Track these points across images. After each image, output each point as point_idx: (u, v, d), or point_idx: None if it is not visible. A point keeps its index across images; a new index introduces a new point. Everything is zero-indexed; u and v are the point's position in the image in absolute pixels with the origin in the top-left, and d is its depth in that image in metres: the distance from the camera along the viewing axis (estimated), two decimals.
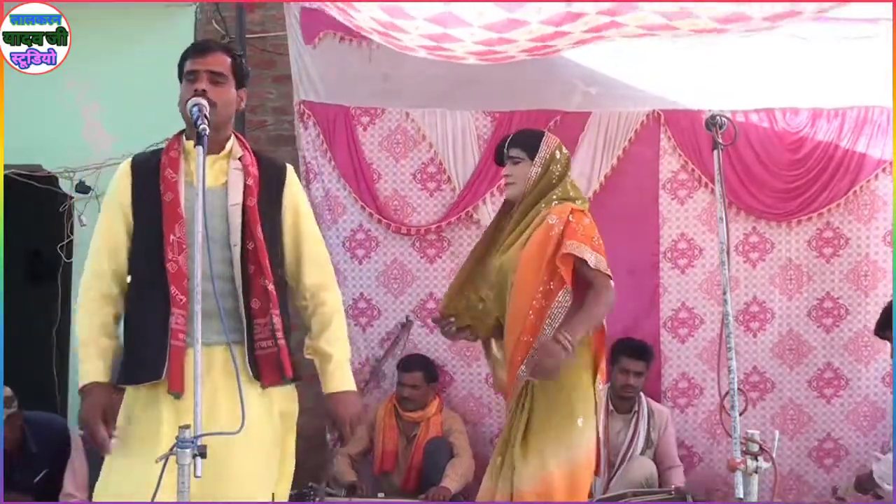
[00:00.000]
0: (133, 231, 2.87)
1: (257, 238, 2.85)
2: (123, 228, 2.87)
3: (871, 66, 4.84)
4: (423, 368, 4.95)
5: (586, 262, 3.36)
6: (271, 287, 2.85)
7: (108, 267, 2.85)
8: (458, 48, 4.29)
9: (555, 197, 3.54)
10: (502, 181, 5.04)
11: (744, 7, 3.87)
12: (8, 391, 4.45)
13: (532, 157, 3.57)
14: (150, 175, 2.86)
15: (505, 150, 3.64)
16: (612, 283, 3.40)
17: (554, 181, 3.56)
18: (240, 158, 2.92)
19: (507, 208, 3.70)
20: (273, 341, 2.85)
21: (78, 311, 2.86)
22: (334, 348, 2.94)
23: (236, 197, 2.86)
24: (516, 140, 3.65)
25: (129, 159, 2.96)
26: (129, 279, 2.89)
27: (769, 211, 5.05)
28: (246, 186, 2.88)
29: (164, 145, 2.95)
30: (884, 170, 4.99)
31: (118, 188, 2.91)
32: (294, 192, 3.01)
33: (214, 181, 2.82)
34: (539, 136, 3.65)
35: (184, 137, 2.91)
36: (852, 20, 4.81)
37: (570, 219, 3.44)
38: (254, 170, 2.91)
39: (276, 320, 2.84)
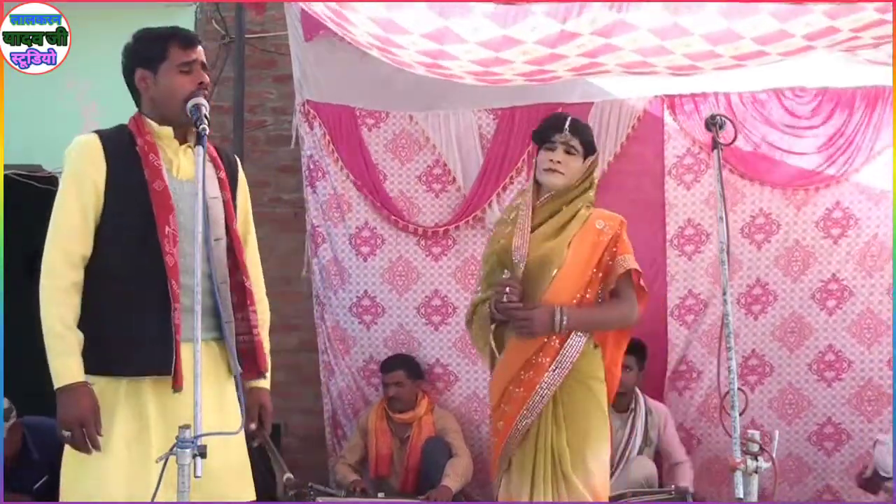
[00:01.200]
0: (103, 215, 2.73)
1: (234, 232, 2.84)
2: (93, 211, 2.72)
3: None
4: (403, 366, 4.97)
5: (634, 275, 3.36)
6: (248, 283, 2.84)
7: (80, 252, 2.70)
8: (454, 67, 4.27)
9: (590, 200, 3.47)
10: (507, 179, 5.15)
11: (737, 27, 3.85)
12: (6, 403, 4.43)
13: (587, 155, 3.45)
14: (126, 157, 2.75)
15: (566, 133, 3.41)
16: (638, 307, 3.38)
17: (591, 184, 3.48)
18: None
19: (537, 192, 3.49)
20: (249, 336, 2.84)
21: (47, 298, 2.66)
22: (268, 346, 2.97)
23: (214, 190, 2.83)
24: (578, 129, 3.45)
25: (94, 135, 2.80)
26: (98, 265, 2.73)
27: (780, 185, 5.01)
28: (220, 179, 2.86)
29: (125, 124, 2.85)
30: None
31: (89, 166, 2.73)
32: (244, 186, 3.02)
33: (189, 172, 2.76)
34: (592, 134, 3.55)
35: (147, 119, 2.81)
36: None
37: (622, 233, 3.40)
38: (219, 162, 2.89)
39: (253, 315, 2.84)
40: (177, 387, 2.66)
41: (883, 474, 4.40)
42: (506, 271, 3.38)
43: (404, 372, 4.94)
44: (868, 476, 4.55)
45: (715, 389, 4.88)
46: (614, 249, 3.37)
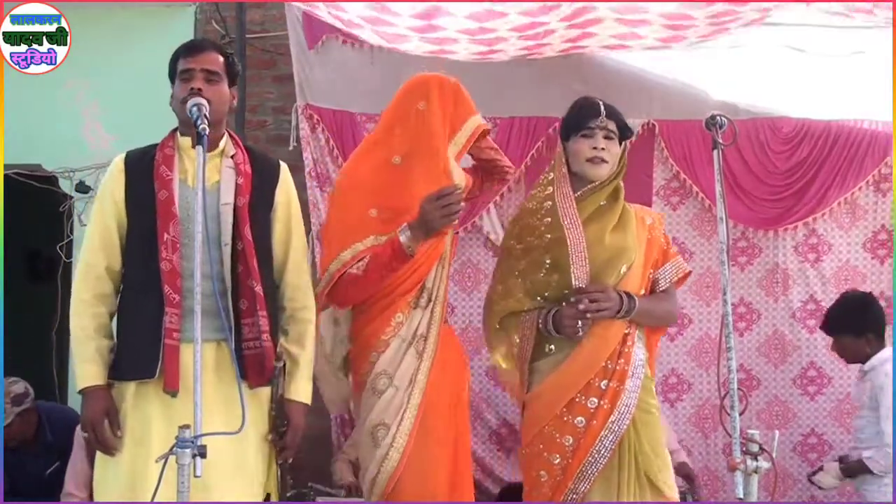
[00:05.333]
0: (126, 229, 2.85)
1: (246, 238, 2.84)
2: (116, 226, 2.85)
3: (861, 81, 5.07)
4: None
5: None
6: (258, 288, 2.84)
7: (103, 264, 2.83)
8: (448, 29, 4.25)
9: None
10: (504, 188, 5.12)
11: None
12: (23, 386, 4.55)
13: (621, 140, 3.21)
14: (144, 172, 2.85)
15: (602, 118, 3.16)
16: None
17: (621, 172, 3.24)
18: (232, 156, 2.91)
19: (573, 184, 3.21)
20: (258, 342, 2.84)
21: (72, 310, 2.83)
22: (308, 357, 2.97)
23: (227, 196, 2.86)
24: (613, 112, 3.19)
25: (123, 155, 2.94)
26: (122, 276, 2.87)
27: (756, 218, 5.20)
28: (237, 185, 2.87)
29: (158, 141, 2.94)
30: (867, 182, 5.18)
31: (112, 185, 2.89)
32: (287, 190, 3.01)
33: (207, 180, 2.78)
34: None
35: (178, 134, 2.90)
36: (843, 27, 4.94)
37: (665, 231, 3.33)
38: (246, 167, 2.90)
39: (263, 321, 2.84)
40: (168, 389, 2.69)
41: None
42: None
43: None
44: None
45: (705, 401, 5.19)
46: (665, 248, 3.27)
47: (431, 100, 3.27)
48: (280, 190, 2.99)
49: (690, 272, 3.38)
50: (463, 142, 3.34)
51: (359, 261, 3.08)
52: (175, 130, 2.93)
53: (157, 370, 2.72)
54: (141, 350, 2.74)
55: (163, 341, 2.71)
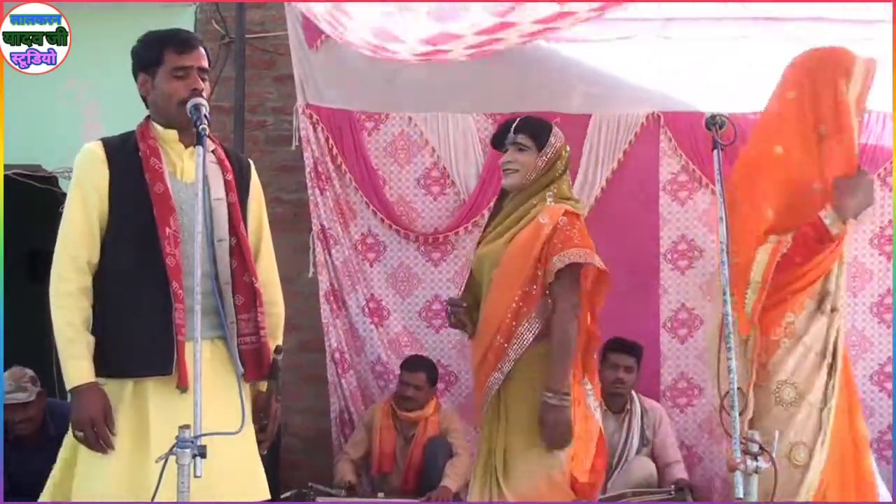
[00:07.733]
0: (109, 220, 2.78)
1: (241, 234, 2.85)
2: (97, 217, 2.78)
3: None
4: (427, 370, 4.97)
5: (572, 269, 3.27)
6: (257, 284, 2.85)
7: (84, 257, 2.75)
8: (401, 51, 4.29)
9: (550, 194, 3.38)
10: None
11: None
12: (30, 372, 4.57)
13: (540, 148, 3.38)
14: (128, 162, 2.79)
15: (510, 134, 3.42)
16: (575, 309, 3.27)
17: (555, 177, 3.40)
18: (212, 152, 2.90)
19: (503, 197, 3.53)
20: (255, 337, 2.85)
21: (55, 303, 2.73)
22: (272, 347, 2.97)
23: (218, 191, 2.85)
24: (525, 126, 3.44)
25: (99, 143, 2.84)
26: (103, 269, 2.79)
27: None
28: (226, 181, 2.87)
29: (134, 129, 2.88)
30: (877, 175, 5.04)
31: (93, 173, 2.80)
32: (257, 185, 3.03)
33: (194, 175, 2.78)
34: (549, 126, 3.48)
35: (153, 124, 2.85)
36: (850, 21, 4.85)
37: (561, 222, 3.28)
38: (228, 164, 2.91)
39: (261, 317, 2.86)
40: (182, 386, 2.68)
41: None
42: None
43: (426, 376, 4.95)
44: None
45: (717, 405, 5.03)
46: (553, 242, 3.26)
47: (803, 83, 3.26)
48: (252, 186, 3.00)
49: (571, 264, 3.25)
50: (860, 84, 3.26)
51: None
52: (148, 118, 2.88)
53: (174, 367, 2.70)
54: (152, 346, 2.71)
55: (175, 337, 2.70)
